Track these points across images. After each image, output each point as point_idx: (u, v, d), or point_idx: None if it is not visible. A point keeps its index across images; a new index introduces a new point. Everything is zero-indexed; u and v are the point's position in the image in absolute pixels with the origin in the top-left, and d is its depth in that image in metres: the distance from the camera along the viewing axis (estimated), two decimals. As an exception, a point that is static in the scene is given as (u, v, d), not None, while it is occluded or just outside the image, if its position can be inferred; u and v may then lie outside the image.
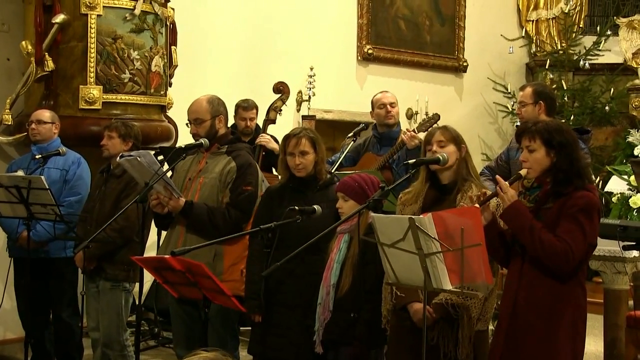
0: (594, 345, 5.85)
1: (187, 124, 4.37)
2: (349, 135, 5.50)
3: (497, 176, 3.43)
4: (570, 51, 9.24)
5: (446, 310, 3.38)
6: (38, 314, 5.06)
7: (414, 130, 5.13)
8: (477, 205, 3.23)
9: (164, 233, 4.95)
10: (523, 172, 3.33)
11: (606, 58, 9.16)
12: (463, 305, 3.38)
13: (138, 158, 4.03)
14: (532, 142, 3.29)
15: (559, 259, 3.19)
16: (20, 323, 5.14)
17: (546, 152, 3.27)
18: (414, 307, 3.44)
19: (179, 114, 6.00)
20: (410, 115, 8.63)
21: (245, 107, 6.02)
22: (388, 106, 5.41)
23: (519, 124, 5.31)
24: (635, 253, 5.22)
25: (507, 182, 3.33)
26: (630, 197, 6.71)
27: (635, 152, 7.63)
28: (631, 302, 5.72)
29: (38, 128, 5.05)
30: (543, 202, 3.31)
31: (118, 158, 4.51)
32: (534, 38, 9.60)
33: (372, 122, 5.63)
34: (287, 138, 3.97)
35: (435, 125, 3.72)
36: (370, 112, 5.56)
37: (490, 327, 5.18)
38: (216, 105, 4.30)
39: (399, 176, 4.99)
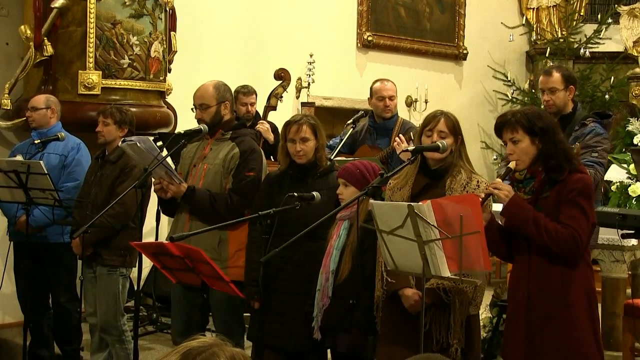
0: (591, 333, 5.86)
1: (192, 109, 4.36)
2: (349, 122, 5.48)
3: (496, 180, 3.41)
4: (571, 39, 9.22)
5: (438, 295, 3.38)
6: (37, 298, 5.07)
7: (409, 139, 4.96)
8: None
9: (163, 219, 4.95)
10: (512, 164, 3.33)
11: (607, 46, 9.14)
12: (455, 290, 3.38)
13: (138, 144, 4.04)
14: (515, 133, 3.28)
15: (568, 245, 3.19)
16: (20, 307, 5.15)
17: (530, 140, 3.26)
18: (405, 293, 3.45)
19: (178, 100, 6.00)
20: (409, 103, 8.62)
21: (245, 92, 6.00)
22: (387, 100, 5.35)
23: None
24: (633, 241, 5.24)
25: (499, 179, 3.32)
26: (630, 185, 6.70)
27: (635, 140, 7.62)
28: (629, 291, 5.74)
29: (33, 115, 5.03)
30: (540, 191, 3.30)
31: (120, 143, 4.51)
32: (535, 26, 9.57)
33: (370, 109, 5.60)
34: (287, 125, 3.95)
35: (437, 110, 3.66)
36: (369, 98, 5.52)
37: (484, 314, 5.23)
38: (222, 92, 4.29)
39: (394, 168, 4.95)
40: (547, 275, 3.26)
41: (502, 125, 3.35)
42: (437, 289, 3.37)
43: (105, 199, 4.51)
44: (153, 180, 4.21)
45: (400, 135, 4.99)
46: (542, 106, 4.82)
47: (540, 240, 3.21)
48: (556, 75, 4.60)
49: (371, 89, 5.47)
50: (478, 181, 3.51)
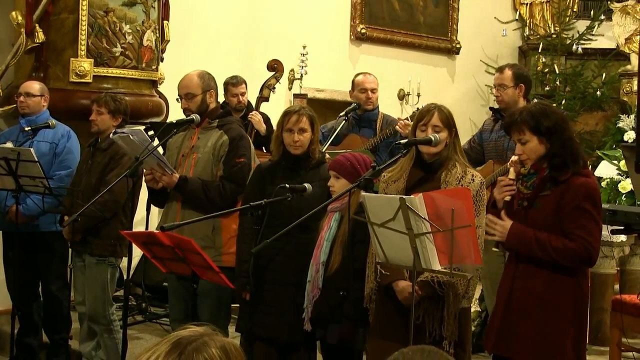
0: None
1: (177, 99, 4.36)
2: (341, 114, 5.49)
3: (488, 215, 3.39)
4: (564, 35, 9.23)
5: (432, 287, 3.38)
6: (26, 286, 5.04)
7: (407, 119, 5.12)
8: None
9: (153, 208, 4.94)
10: (511, 174, 3.33)
11: (599, 43, 9.15)
12: (449, 283, 3.38)
13: (130, 136, 4.03)
14: (522, 134, 3.25)
15: (579, 258, 3.19)
16: (9, 295, 5.13)
17: (539, 140, 3.23)
18: (400, 285, 3.45)
19: (170, 89, 5.96)
20: (402, 96, 8.61)
21: (234, 83, 6.00)
22: (369, 92, 5.41)
23: (492, 107, 5.28)
24: (622, 237, 5.26)
25: (491, 217, 3.31)
26: (620, 181, 6.73)
27: (625, 137, 7.65)
28: (617, 286, 5.78)
29: (27, 101, 5.00)
30: (540, 188, 3.27)
31: (111, 135, 4.49)
32: (528, 21, 9.58)
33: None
34: (287, 114, 3.93)
35: (430, 103, 3.66)
36: (350, 91, 5.55)
37: (473, 308, 5.24)
38: (207, 80, 4.30)
39: (381, 159, 5.02)
40: (532, 276, 3.27)
41: (510, 126, 3.32)
42: (432, 282, 3.38)
43: (95, 187, 4.50)
44: (144, 170, 4.20)
45: (398, 118, 5.05)
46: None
47: (549, 258, 3.20)
48: (507, 72, 4.79)
49: (353, 81, 5.52)
50: (473, 175, 3.51)
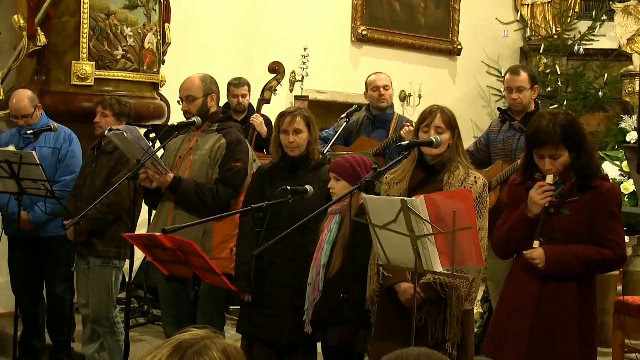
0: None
1: (178, 102, 4.37)
2: (342, 116, 5.49)
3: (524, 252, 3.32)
4: (565, 36, 9.22)
5: (435, 290, 3.38)
6: (32, 289, 5.04)
7: (411, 125, 5.08)
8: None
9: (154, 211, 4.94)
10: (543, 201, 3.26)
11: (601, 43, 9.14)
12: (451, 285, 3.38)
13: (125, 133, 4.03)
14: (560, 150, 3.19)
15: (614, 265, 3.26)
16: (13, 298, 5.13)
17: (569, 153, 3.21)
18: (402, 287, 3.44)
19: (171, 92, 5.98)
20: (403, 98, 8.61)
21: (237, 84, 6.02)
22: (382, 89, 5.38)
23: (500, 108, 5.24)
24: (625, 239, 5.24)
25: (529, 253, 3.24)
26: (622, 182, 6.73)
27: (628, 138, 7.65)
28: (620, 288, 5.76)
29: (27, 121, 4.97)
30: (568, 195, 3.24)
31: (107, 132, 4.49)
32: (529, 22, 9.57)
33: (366, 103, 5.61)
34: (282, 116, 3.95)
35: (432, 105, 3.64)
36: (364, 93, 5.55)
37: (475, 309, 5.23)
38: (209, 84, 4.31)
39: (391, 161, 4.99)
40: (564, 287, 3.22)
41: (543, 142, 3.20)
42: (434, 284, 3.37)
43: (100, 190, 4.50)
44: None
45: (405, 124, 5.03)
46: (508, 104, 4.93)
47: (589, 273, 3.20)
48: (524, 74, 4.74)
49: (366, 82, 5.51)
50: (476, 177, 3.50)
